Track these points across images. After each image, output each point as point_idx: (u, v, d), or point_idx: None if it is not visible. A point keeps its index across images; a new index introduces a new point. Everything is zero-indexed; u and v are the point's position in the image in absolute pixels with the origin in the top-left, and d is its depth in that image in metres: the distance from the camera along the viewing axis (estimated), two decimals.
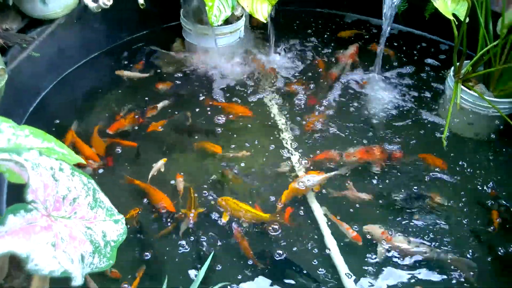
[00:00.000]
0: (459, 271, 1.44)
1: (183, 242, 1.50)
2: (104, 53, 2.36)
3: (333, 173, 1.73)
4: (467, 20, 1.87)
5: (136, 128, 1.93)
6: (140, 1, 2.10)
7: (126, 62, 2.31)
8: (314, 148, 1.88)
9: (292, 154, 1.85)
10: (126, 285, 1.36)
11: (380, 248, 1.48)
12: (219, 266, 1.43)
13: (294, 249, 1.50)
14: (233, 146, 1.87)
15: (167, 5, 2.42)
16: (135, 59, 2.33)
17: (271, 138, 1.92)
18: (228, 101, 2.09)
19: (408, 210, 1.64)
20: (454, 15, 1.97)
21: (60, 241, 0.58)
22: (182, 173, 1.72)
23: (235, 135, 1.93)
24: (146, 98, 2.09)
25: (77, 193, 0.69)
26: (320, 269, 1.44)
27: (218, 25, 2.17)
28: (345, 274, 1.41)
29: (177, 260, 1.45)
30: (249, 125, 1.99)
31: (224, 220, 1.55)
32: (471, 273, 1.43)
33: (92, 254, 0.66)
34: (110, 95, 2.11)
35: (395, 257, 1.48)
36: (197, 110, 2.04)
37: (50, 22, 2.01)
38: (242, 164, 1.78)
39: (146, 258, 1.45)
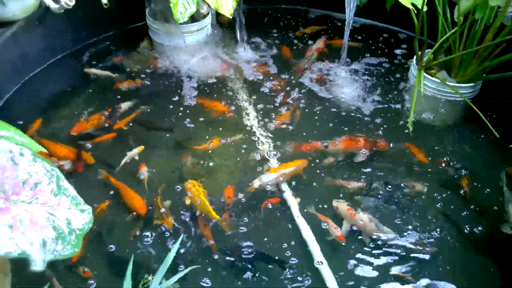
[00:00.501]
0: (422, 250, 1.48)
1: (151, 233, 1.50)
2: (69, 54, 2.32)
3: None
4: (426, 8, 1.93)
5: (102, 127, 1.90)
6: (103, 1, 2.08)
7: (93, 63, 2.28)
8: (285, 139, 1.90)
9: (263, 145, 1.86)
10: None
11: (345, 224, 1.53)
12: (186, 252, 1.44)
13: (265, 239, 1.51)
14: (206, 139, 1.87)
15: (132, 5, 2.41)
16: (101, 60, 2.30)
17: (243, 131, 1.93)
18: (198, 97, 2.09)
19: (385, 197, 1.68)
20: (413, 4, 2.03)
21: (19, 223, 0.58)
22: (150, 167, 1.72)
23: (208, 129, 1.93)
24: (113, 98, 2.06)
25: (39, 179, 0.68)
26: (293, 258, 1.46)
27: (184, 22, 2.17)
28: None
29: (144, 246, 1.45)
30: (221, 120, 1.99)
31: (186, 203, 1.57)
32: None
33: (55, 240, 0.66)
34: (76, 97, 2.08)
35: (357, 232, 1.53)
36: (167, 107, 2.03)
37: (10, 25, 1.96)
38: (215, 157, 1.79)
39: (111, 250, 1.44)
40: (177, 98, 2.08)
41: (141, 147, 1.78)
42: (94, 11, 2.26)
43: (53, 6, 1.98)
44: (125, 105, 2.01)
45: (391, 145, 1.90)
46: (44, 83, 2.14)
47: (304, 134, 1.94)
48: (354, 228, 1.54)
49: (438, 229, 1.56)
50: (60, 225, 0.68)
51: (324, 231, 1.52)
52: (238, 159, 1.79)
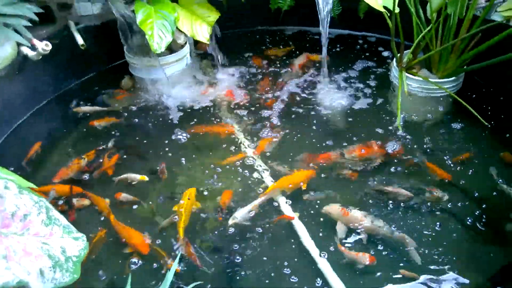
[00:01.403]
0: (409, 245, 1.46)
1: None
2: (53, 99, 2.30)
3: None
4: (398, 10, 1.97)
5: (85, 171, 1.85)
6: (79, 42, 2.09)
7: (77, 105, 2.26)
8: (275, 157, 1.88)
9: (258, 167, 1.84)
10: None
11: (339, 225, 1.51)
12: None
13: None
14: (198, 165, 1.84)
15: (109, 45, 2.42)
16: (85, 101, 2.29)
17: (235, 152, 1.91)
18: (186, 124, 2.07)
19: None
20: (385, 7, 2.07)
21: (13, 254, 0.55)
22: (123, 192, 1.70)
23: (199, 156, 1.90)
24: (99, 138, 2.02)
25: (28, 210, 0.66)
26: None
27: (162, 54, 2.19)
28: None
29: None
30: (212, 143, 1.97)
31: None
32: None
33: (53, 269, 0.63)
34: (64, 141, 2.05)
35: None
36: (154, 141, 2.00)
37: None
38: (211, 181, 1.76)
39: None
40: (164, 130, 2.06)
41: (144, 177, 1.74)
42: (73, 54, 2.28)
43: (31, 53, 1.98)
44: (110, 144, 1.98)
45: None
46: (30, 130, 2.11)
47: (298, 146, 1.92)
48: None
49: (438, 222, 1.54)
50: (55, 254, 0.65)
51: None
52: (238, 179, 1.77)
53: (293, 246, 1.49)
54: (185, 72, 2.39)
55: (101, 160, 1.87)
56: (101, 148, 1.95)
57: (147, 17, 1.95)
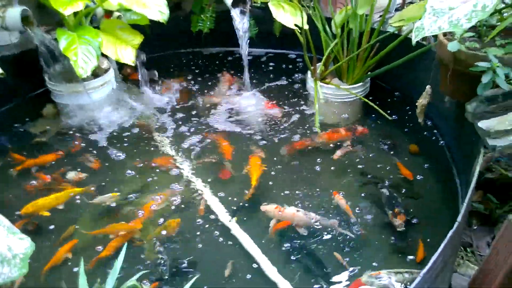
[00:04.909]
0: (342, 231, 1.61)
1: None
2: None
3: None
4: (307, 27, 2.19)
5: None
6: None
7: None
8: (209, 169, 1.97)
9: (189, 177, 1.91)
10: None
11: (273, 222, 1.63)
12: None
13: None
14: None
15: (29, 74, 2.38)
16: (5, 131, 2.22)
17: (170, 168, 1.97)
18: (116, 149, 2.09)
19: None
20: (296, 25, 2.29)
21: None
22: None
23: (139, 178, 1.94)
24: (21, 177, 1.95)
25: None
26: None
27: (87, 79, 2.21)
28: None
29: None
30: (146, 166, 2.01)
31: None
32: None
33: (1, 264, 0.66)
34: None
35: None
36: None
37: None
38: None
39: None
40: (83, 154, 2.06)
41: (115, 193, 1.76)
42: None
43: None
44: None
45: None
46: None
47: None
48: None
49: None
50: (2, 251, 0.69)
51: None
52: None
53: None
54: (111, 96, 2.41)
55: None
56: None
57: (71, 43, 1.98)
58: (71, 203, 1.76)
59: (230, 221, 1.65)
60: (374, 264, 1.48)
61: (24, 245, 0.75)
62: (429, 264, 0.98)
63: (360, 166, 1.95)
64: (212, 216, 1.70)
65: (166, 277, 1.45)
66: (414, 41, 1.32)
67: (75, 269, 1.48)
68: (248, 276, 1.46)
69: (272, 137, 2.16)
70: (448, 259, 1.12)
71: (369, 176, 1.88)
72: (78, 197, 1.79)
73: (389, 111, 2.17)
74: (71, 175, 1.91)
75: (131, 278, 1.10)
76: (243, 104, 2.44)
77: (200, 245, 1.58)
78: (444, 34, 1.62)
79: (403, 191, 1.80)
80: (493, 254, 1.26)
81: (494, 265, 1.26)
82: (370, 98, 2.26)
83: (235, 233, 1.60)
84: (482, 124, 1.39)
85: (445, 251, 1.04)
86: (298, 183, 1.86)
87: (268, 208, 1.67)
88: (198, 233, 1.62)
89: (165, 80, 2.68)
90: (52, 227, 1.66)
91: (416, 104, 1.78)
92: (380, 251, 1.54)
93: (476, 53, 1.46)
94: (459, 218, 1.11)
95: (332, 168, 1.95)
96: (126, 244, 1.20)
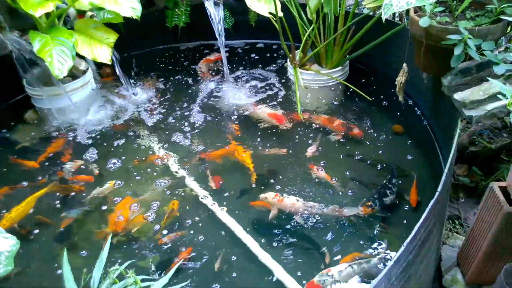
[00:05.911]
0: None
1: None
2: None
3: None
4: (281, 14, 2.19)
5: None
6: None
7: None
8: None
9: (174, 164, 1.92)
10: None
11: (272, 211, 1.65)
12: None
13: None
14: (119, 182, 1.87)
15: (6, 81, 2.35)
16: None
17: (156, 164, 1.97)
18: (99, 148, 2.08)
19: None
20: (271, 13, 2.29)
21: None
22: None
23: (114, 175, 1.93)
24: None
25: None
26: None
27: (65, 79, 2.19)
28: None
29: None
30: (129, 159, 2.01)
31: None
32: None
33: None
34: None
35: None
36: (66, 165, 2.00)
37: None
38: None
39: None
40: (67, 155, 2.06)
41: (112, 182, 1.85)
42: None
43: None
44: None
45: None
46: None
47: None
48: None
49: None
50: None
51: None
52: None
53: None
54: (92, 97, 2.40)
55: None
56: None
57: (44, 45, 1.95)
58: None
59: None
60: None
61: (9, 243, 0.75)
62: (412, 234, 1.00)
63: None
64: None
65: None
66: (383, 18, 1.34)
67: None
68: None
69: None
70: (433, 228, 1.15)
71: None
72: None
73: (370, 92, 2.19)
74: (68, 166, 1.98)
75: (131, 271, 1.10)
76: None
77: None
78: (415, 11, 1.63)
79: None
80: (478, 222, 1.29)
81: (479, 233, 1.29)
82: (352, 81, 2.28)
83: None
84: (458, 95, 1.42)
85: (427, 220, 1.06)
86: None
87: (268, 196, 1.70)
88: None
89: (144, 77, 2.67)
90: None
91: (395, 82, 1.80)
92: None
93: (447, 27, 1.48)
94: (439, 188, 1.14)
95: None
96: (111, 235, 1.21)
